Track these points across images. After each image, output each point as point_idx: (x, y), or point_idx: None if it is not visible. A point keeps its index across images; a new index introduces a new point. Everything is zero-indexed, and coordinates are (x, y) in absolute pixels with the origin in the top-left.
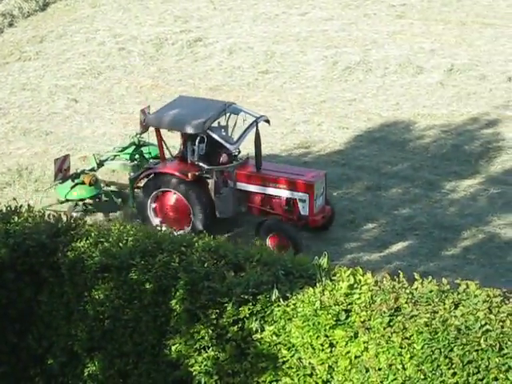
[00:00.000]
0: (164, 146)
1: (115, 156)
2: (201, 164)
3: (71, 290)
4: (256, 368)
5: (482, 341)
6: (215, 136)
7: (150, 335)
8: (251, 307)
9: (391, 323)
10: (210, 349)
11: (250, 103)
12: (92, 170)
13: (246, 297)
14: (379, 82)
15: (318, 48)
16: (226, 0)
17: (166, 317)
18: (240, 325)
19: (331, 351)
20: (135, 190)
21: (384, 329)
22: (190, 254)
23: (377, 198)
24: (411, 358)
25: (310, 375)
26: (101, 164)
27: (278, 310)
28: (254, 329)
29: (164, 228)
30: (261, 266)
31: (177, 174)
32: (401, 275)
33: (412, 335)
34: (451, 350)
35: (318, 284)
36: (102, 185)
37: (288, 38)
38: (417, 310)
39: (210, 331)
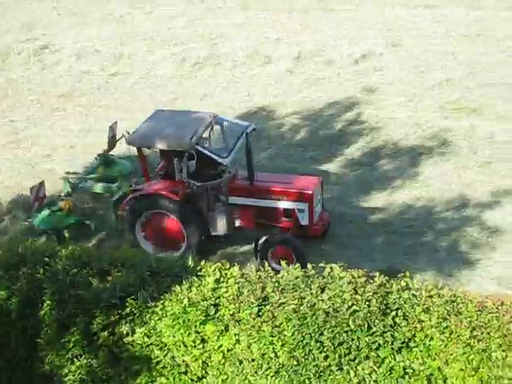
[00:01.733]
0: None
1: (88, 177)
2: (191, 181)
3: None
4: (130, 371)
5: (350, 322)
6: (205, 151)
7: (21, 349)
8: (120, 311)
9: (260, 313)
10: (83, 357)
11: (101, 107)
12: (67, 195)
13: (114, 301)
14: (229, 75)
15: (165, 46)
16: (70, 5)
17: (36, 329)
18: (110, 330)
19: (203, 347)
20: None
21: (253, 319)
22: (54, 264)
23: None
24: (283, 345)
25: (185, 373)
26: (75, 188)
27: (147, 311)
28: (125, 332)
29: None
30: (126, 268)
31: (166, 193)
32: (266, 265)
33: (282, 323)
34: (321, 334)
35: (184, 281)
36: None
37: (135, 39)
38: (284, 297)
39: (81, 339)
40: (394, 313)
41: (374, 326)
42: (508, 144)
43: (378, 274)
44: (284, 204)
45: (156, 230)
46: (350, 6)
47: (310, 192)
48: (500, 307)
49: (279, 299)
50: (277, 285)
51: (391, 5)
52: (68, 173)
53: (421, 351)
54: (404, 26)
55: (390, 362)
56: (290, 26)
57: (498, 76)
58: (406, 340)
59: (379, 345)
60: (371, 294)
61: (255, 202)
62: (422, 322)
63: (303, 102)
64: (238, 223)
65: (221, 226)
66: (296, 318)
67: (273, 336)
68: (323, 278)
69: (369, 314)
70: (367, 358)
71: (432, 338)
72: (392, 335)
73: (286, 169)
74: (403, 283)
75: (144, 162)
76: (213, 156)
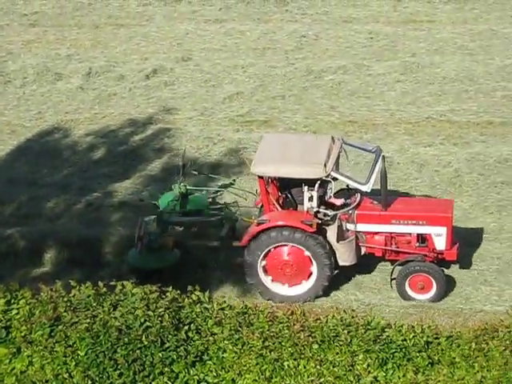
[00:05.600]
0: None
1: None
2: (323, 211)
3: None
4: None
5: (143, 338)
6: (343, 178)
7: None
8: None
9: (53, 333)
10: None
11: None
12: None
13: None
14: (19, 93)
15: None
16: None
17: None
18: None
19: None
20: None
21: (46, 340)
22: None
23: (38, 209)
24: (77, 365)
25: None
26: (166, 224)
27: None
28: None
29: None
30: None
31: (300, 225)
32: (58, 284)
33: (75, 342)
34: (115, 352)
35: None
36: None
37: None
38: (77, 316)
39: None
40: (186, 327)
41: (168, 341)
42: None
43: (170, 288)
44: (420, 229)
45: (278, 263)
46: (140, 21)
47: (450, 215)
48: (290, 317)
49: (71, 318)
50: (69, 304)
51: (181, 19)
52: (141, 200)
53: (214, 364)
54: (194, 41)
55: (184, 377)
56: (81, 42)
57: (286, 88)
58: (200, 353)
59: (173, 360)
60: (163, 309)
61: (385, 229)
62: (215, 334)
63: (95, 118)
64: (363, 251)
65: (350, 256)
66: (89, 337)
67: (66, 356)
68: (115, 295)
69: (162, 330)
70: (161, 373)
71: (225, 351)
72: (185, 349)
73: (79, 186)
74: (194, 297)
75: (266, 191)
76: (352, 183)
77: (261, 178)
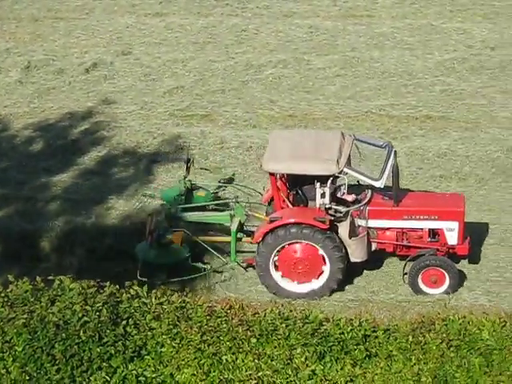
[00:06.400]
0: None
1: (184, 206)
2: (336, 207)
3: None
4: None
5: (81, 333)
6: (356, 174)
7: None
8: None
9: None
10: None
11: None
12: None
13: None
14: None
15: None
16: None
17: None
18: None
19: None
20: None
21: None
22: None
23: None
24: (14, 360)
25: None
26: (175, 218)
27: None
28: None
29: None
30: None
31: (314, 223)
32: None
33: (12, 338)
34: (53, 347)
35: None
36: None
37: None
38: (14, 312)
39: None
40: (124, 322)
41: (106, 336)
42: (237, 149)
43: (108, 283)
44: (432, 224)
45: (290, 260)
46: (80, 14)
47: (462, 209)
48: (229, 311)
49: (9, 314)
50: (6, 300)
51: (121, 13)
52: (145, 195)
53: (153, 359)
54: (134, 34)
55: (122, 372)
56: (19, 36)
57: (227, 82)
58: (138, 348)
59: (111, 355)
60: (101, 304)
61: (397, 224)
62: (153, 329)
63: (34, 112)
64: (374, 247)
65: (361, 253)
66: (26, 333)
67: (3, 352)
68: (53, 290)
69: (100, 325)
70: (100, 368)
71: (163, 345)
72: (123, 344)
73: (18, 180)
74: (133, 292)
75: (277, 188)
76: (365, 179)
77: (272, 175)
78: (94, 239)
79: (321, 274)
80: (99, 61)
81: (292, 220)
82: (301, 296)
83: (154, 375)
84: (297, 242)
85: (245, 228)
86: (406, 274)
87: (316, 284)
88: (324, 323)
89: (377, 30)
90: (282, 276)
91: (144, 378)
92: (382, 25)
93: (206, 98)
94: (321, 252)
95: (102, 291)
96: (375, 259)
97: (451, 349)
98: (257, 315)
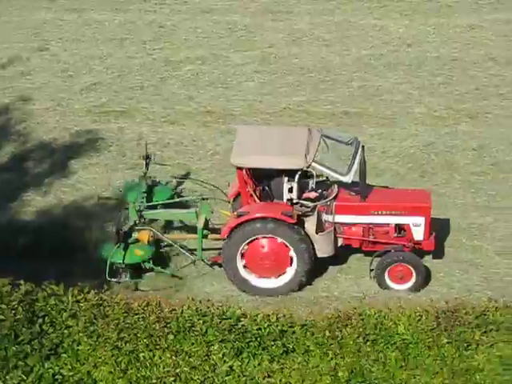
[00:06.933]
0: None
1: (150, 204)
2: (303, 202)
3: None
4: None
5: None
6: (323, 168)
7: None
8: None
9: None
10: None
11: None
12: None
13: None
14: None
15: None
16: None
17: None
18: None
19: None
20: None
21: None
22: None
23: None
24: None
25: None
26: (140, 216)
27: None
28: None
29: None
30: None
31: (281, 217)
32: None
33: None
34: None
35: None
36: None
37: None
38: None
39: None
40: (41, 320)
41: (21, 334)
42: (155, 145)
43: (22, 281)
44: (398, 219)
45: (256, 255)
46: None
47: (428, 205)
48: (146, 308)
49: None
50: None
51: (37, 8)
52: (101, 198)
53: (69, 357)
54: (51, 30)
55: (39, 370)
56: None
57: (145, 79)
58: (54, 346)
59: (27, 353)
60: (17, 302)
61: (364, 220)
62: (70, 327)
63: None
64: (340, 242)
65: (328, 248)
66: None
67: None
68: None
69: (15, 323)
70: (16, 367)
71: (80, 343)
72: (40, 342)
73: None
74: (49, 290)
75: (245, 183)
76: (332, 173)
77: (239, 169)
78: (10, 237)
79: (288, 268)
80: (15, 57)
81: (259, 214)
82: (269, 292)
83: (70, 373)
84: (264, 237)
85: (209, 225)
86: (372, 269)
87: (284, 279)
88: (241, 319)
89: (295, 26)
90: (250, 272)
91: (61, 377)
92: (299, 21)
93: (124, 95)
94: (288, 246)
95: (17, 290)
96: None
97: (368, 343)
98: (174, 312)
